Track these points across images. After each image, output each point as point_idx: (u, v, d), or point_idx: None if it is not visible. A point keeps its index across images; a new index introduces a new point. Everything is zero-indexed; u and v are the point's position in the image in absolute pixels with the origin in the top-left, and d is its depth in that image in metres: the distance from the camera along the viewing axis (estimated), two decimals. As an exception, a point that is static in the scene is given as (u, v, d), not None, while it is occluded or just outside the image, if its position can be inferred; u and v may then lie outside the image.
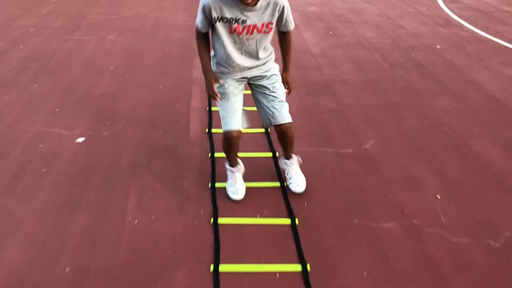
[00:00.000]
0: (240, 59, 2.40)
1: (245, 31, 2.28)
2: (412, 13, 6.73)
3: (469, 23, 6.26)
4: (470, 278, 2.22)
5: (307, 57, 4.98)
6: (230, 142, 2.56)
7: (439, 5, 7.19)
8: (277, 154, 3.16)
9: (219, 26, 2.27)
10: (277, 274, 2.23)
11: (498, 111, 3.85)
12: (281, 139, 2.70)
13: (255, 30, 2.29)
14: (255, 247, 2.38)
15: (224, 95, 2.49)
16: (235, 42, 2.33)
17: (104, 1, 7.11)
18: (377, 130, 3.53)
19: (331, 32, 5.82)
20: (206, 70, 2.41)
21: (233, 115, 2.50)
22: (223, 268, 2.25)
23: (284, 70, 2.63)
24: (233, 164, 2.76)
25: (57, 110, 3.73)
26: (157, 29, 5.83)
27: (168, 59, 4.85)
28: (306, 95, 4.08)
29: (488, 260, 2.33)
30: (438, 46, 5.36)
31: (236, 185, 2.74)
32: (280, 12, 2.31)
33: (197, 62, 4.73)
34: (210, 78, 2.40)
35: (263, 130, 3.46)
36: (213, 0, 2.20)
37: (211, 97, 2.44)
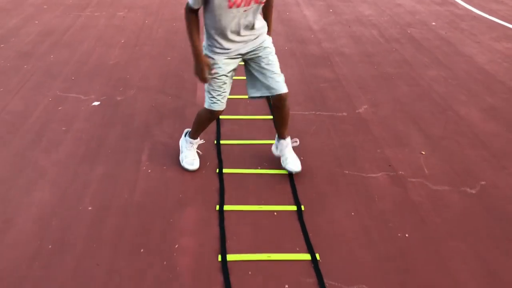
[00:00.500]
0: (237, 33, 2.40)
1: (243, 3, 2.26)
2: (411, -7, 6.94)
3: (464, 1, 6.48)
4: (446, 217, 2.51)
5: (307, 33, 5.23)
6: (212, 118, 2.71)
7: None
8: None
9: (216, 1, 2.24)
10: (275, 213, 2.52)
11: (484, 81, 4.11)
12: (277, 113, 2.71)
13: (252, 1, 2.28)
14: (256, 192, 2.68)
15: (216, 75, 2.50)
16: (233, 17, 2.31)
17: None
18: (371, 96, 3.80)
19: (331, 10, 6.06)
20: (198, 53, 2.42)
21: (223, 97, 2.60)
22: (227, 208, 2.55)
23: (268, 30, 2.61)
24: (196, 136, 2.87)
25: (73, 78, 4.02)
26: (164, 7, 6.08)
27: (175, 33, 5.12)
28: (306, 66, 4.35)
29: (463, 204, 2.61)
30: (433, 23, 5.60)
31: (192, 156, 2.87)
32: None
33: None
34: (201, 63, 2.43)
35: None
36: None
37: (200, 81, 2.51)
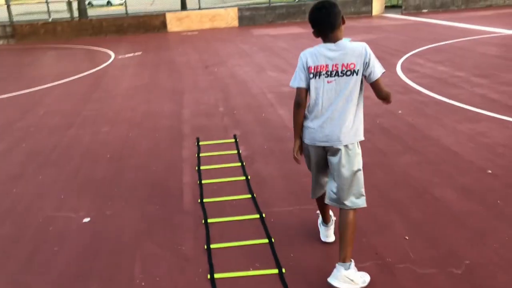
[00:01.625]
0: (326, 119, 2.78)
1: (329, 74, 2.73)
2: (375, 85, 7.46)
3: (426, 89, 6.99)
4: (437, 300, 2.58)
5: (283, 132, 5.54)
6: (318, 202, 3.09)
7: (398, 76, 7.98)
8: (263, 215, 3.58)
9: (313, 80, 2.75)
10: (271, 314, 2.55)
11: (454, 162, 4.37)
12: (340, 222, 2.74)
13: (338, 74, 2.74)
14: (249, 294, 2.72)
15: (309, 159, 2.94)
16: (323, 93, 2.76)
17: (95, 98, 7.76)
18: (350, 187, 3.98)
19: (304, 108, 6.45)
20: (296, 138, 2.90)
21: (316, 186, 3.00)
22: (223, 313, 2.57)
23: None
24: (326, 220, 3.14)
25: (62, 196, 4.13)
26: (147, 118, 6.40)
27: (158, 143, 5.36)
28: (284, 163, 4.57)
29: (451, 285, 2.69)
30: (400, 112, 6.00)
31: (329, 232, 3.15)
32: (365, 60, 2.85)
33: (187, 144, 5.26)
34: (296, 144, 2.86)
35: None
36: (308, 53, 2.79)
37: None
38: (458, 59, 9.08)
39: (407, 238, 3.18)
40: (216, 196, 3.94)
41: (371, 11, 19.14)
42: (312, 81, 2.67)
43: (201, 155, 4.90)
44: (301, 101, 2.76)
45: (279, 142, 5.17)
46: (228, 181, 4.23)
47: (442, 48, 10.42)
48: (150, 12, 18.42)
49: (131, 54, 12.43)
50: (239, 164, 4.61)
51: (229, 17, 18.33)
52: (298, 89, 2.77)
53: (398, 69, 8.54)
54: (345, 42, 2.68)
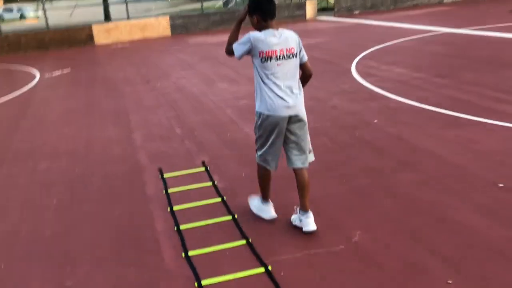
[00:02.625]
0: (282, 91, 3.17)
1: (277, 55, 3.15)
2: (338, 92, 7.04)
3: (392, 93, 6.65)
4: None
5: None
6: (266, 175, 3.49)
7: (358, 81, 7.62)
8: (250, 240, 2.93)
9: (261, 59, 3.16)
10: None
11: (458, 176, 3.95)
12: (297, 181, 3.38)
13: (285, 55, 3.17)
14: None
15: (266, 132, 3.27)
16: (275, 72, 3.16)
17: (25, 127, 6.69)
18: (358, 218, 3.42)
19: (271, 123, 5.85)
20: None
21: (274, 158, 3.35)
22: None
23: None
24: (266, 196, 3.56)
25: (2, 266, 3.22)
26: (92, 148, 5.50)
27: (113, 180, 4.52)
28: (274, 192, 3.93)
29: None
30: (375, 121, 5.57)
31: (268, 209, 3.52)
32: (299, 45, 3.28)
33: (148, 178, 4.46)
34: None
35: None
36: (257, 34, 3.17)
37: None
38: (410, 59, 8.91)
39: (450, 282, 2.66)
40: (203, 245, 3.23)
41: (305, 15, 19.01)
42: (265, 64, 3.10)
43: (169, 191, 4.14)
44: (227, 53, 3.36)
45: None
46: (212, 224, 3.52)
47: (389, 49, 10.28)
48: (74, 25, 17.03)
49: (59, 72, 11.21)
50: (219, 199, 3.91)
51: (161, 26, 17.41)
52: (231, 49, 3.26)
53: (355, 73, 8.20)
54: (283, 30, 3.17)
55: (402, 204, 3.57)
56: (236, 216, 3.59)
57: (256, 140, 3.38)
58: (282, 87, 3.10)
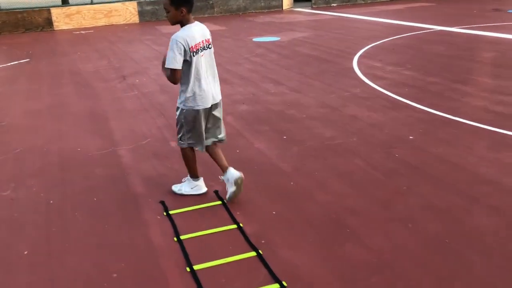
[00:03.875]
0: (208, 83, 3.46)
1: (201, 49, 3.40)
2: (351, 98, 6.19)
3: (415, 101, 5.86)
4: None
5: (282, 178, 3.98)
6: (194, 152, 3.64)
7: (368, 84, 6.79)
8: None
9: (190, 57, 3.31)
10: None
11: (551, 221, 3.17)
12: (218, 151, 3.68)
13: (207, 48, 3.48)
14: None
15: (192, 121, 3.47)
16: (201, 65, 3.40)
17: (-22, 134, 5.45)
18: (451, 284, 2.57)
19: (285, 137, 4.93)
20: None
21: (202, 139, 3.54)
22: None
23: None
24: (196, 173, 3.72)
25: None
26: (68, 168, 4.39)
27: (103, 217, 3.47)
28: (320, 244, 3.02)
29: None
30: (411, 137, 4.75)
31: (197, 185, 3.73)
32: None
33: (148, 213, 3.45)
34: None
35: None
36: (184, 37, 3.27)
37: None
38: (416, 60, 8.18)
39: None
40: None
41: (281, 5, 18.06)
42: (194, 58, 3.28)
43: (183, 238, 3.15)
44: (177, 82, 3.31)
45: (288, 201, 3.59)
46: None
47: (386, 47, 9.53)
48: (30, 7, 15.33)
49: (16, 62, 9.79)
50: (253, 253, 2.96)
51: (128, 12, 16.01)
52: (176, 71, 3.24)
53: (360, 75, 7.37)
54: (197, 22, 3.40)
55: (501, 267, 2.75)
56: (285, 285, 2.66)
57: (179, 130, 3.54)
58: (208, 78, 3.42)
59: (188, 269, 2.83)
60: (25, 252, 3.08)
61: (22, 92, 7.32)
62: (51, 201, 3.75)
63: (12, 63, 9.69)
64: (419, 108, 5.63)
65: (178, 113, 3.49)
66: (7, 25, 14.44)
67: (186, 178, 3.77)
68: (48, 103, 6.60)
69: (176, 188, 3.78)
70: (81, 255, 3.03)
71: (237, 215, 3.43)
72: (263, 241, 3.08)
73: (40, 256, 3.03)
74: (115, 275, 2.81)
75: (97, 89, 7.25)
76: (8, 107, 6.54)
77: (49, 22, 14.88)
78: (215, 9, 17.02)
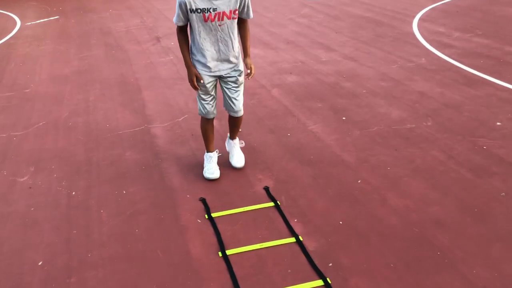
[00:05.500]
0: (217, 51, 2.90)
1: (216, 18, 2.76)
2: (416, 70, 5.34)
3: (494, 76, 4.97)
4: None
5: (345, 173, 3.29)
6: (206, 122, 3.20)
7: (435, 53, 5.90)
8: None
9: (195, 17, 2.76)
10: None
11: None
12: (232, 124, 3.32)
13: (225, 17, 2.77)
14: None
15: (202, 87, 3.02)
16: (210, 30, 2.81)
17: (0, 102, 4.92)
18: None
19: (344, 118, 4.20)
20: (188, 65, 2.97)
21: (209, 103, 3.10)
22: None
23: (245, 55, 3.08)
24: (210, 149, 3.31)
25: None
26: (95, 148, 3.82)
27: (133, 218, 2.89)
28: (403, 269, 2.36)
29: None
30: (498, 123, 3.94)
31: (212, 167, 3.27)
32: (242, 1, 2.82)
33: (188, 218, 2.84)
34: (192, 74, 2.96)
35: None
36: None
37: (193, 88, 3.01)
38: (486, 25, 7.14)
39: None
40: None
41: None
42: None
43: (229, 253, 2.54)
44: None
45: (357, 206, 2.92)
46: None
47: (448, 10, 8.44)
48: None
49: (45, 19, 9.21)
50: (319, 282, 2.32)
51: (162, -33, 15.10)
52: None
53: (423, 41, 6.45)
54: None
55: None
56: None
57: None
58: None
59: (237, 300, 2.23)
60: (40, 263, 2.54)
61: (49, 54, 6.74)
62: (74, 193, 3.20)
63: (40, 21, 9.11)
64: (501, 85, 4.76)
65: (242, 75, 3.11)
66: (38, -21, 13.81)
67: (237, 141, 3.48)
68: (75, 68, 6.00)
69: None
70: (106, 270, 2.47)
71: (295, 223, 2.78)
72: (330, 264, 2.44)
73: (57, 269, 2.49)
74: (146, 302, 2.24)
75: (128, 52, 6.61)
76: (33, 71, 5.99)
77: (80, -24, 14.16)
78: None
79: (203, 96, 3.06)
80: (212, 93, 3.07)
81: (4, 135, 4.12)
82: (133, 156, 3.65)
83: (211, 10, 2.72)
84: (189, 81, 2.99)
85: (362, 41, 6.63)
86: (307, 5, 9.45)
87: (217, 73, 2.97)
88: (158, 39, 7.28)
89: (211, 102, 3.09)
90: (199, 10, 2.72)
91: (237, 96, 3.09)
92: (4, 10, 10.26)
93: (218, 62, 2.93)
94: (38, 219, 2.93)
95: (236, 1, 2.78)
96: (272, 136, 3.89)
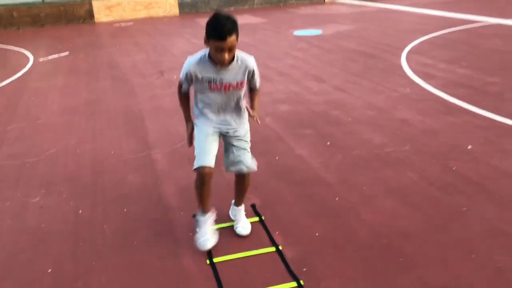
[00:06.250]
0: (221, 110, 2.83)
1: (222, 88, 2.73)
2: (400, 99, 5.73)
3: (473, 105, 5.34)
4: None
5: (325, 191, 3.63)
6: (202, 178, 2.80)
7: (419, 85, 6.30)
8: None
9: (201, 85, 2.75)
10: None
11: None
12: (238, 185, 3.06)
13: (231, 88, 2.75)
14: None
15: (201, 134, 2.85)
16: (215, 98, 2.78)
17: (13, 132, 5.34)
18: None
19: (329, 143, 4.56)
20: (186, 121, 3.03)
21: (208, 153, 2.79)
22: None
23: (252, 107, 2.94)
24: (206, 209, 2.95)
25: None
26: (100, 172, 4.19)
27: (133, 233, 3.23)
28: (370, 273, 2.67)
29: None
30: (469, 147, 4.28)
31: (206, 235, 2.93)
32: (250, 74, 2.80)
33: (181, 233, 3.16)
34: (189, 128, 2.99)
35: None
36: (194, 67, 2.72)
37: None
38: (471, 57, 7.57)
39: None
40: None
41: (324, -4, 17.48)
42: None
43: (216, 261, 2.86)
44: None
45: (333, 220, 3.24)
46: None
47: (437, 42, 8.91)
48: (72, -1, 15.41)
49: (56, 55, 9.77)
50: (293, 284, 2.64)
51: (168, 4, 15.87)
52: None
53: (409, 73, 6.87)
54: None
55: None
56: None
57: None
58: None
59: (221, 300, 2.55)
60: (49, 270, 2.87)
61: (59, 88, 7.21)
62: (80, 211, 3.55)
63: (52, 57, 9.68)
64: (478, 113, 5.13)
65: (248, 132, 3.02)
66: (50, 17, 14.58)
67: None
68: (84, 99, 6.46)
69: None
70: (108, 276, 2.79)
71: (276, 235, 3.11)
72: (304, 269, 2.76)
73: (65, 276, 2.82)
74: (142, 302, 2.56)
75: (134, 85, 7.07)
76: (44, 103, 6.45)
77: (90, 14, 14.92)
78: (255, 0, 16.64)
79: (200, 145, 2.86)
80: (212, 145, 2.86)
81: (18, 162, 4.51)
82: (134, 179, 4.02)
83: (217, 81, 2.70)
84: (187, 138, 3.01)
85: (352, 72, 7.06)
86: (303, 40, 9.97)
87: (220, 129, 2.90)
88: (162, 72, 7.77)
89: (206, 151, 2.84)
90: (204, 79, 2.70)
91: (241, 156, 2.90)
92: (18, 47, 10.88)
93: (221, 126, 2.88)
94: (48, 234, 3.28)
95: (244, 73, 2.75)
96: (262, 159, 4.24)
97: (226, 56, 2.58)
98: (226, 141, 2.94)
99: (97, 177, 4.10)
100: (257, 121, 2.88)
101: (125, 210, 3.53)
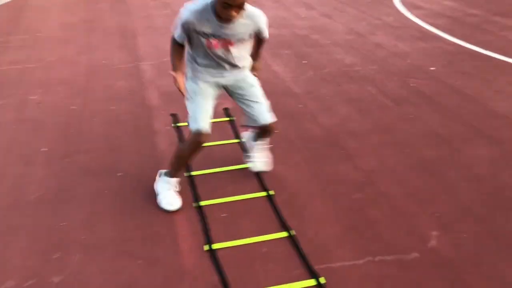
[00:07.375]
0: (216, 67, 2.53)
1: (223, 46, 2.41)
2: (381, 26, 6.02)
3: (447, 33, 5.64)
4: None
5: (291, 100, 4.06)
6: (197, 144, 2.54)
7: (403, 14, 6.54)
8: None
9: (197, 38, 2.40)
10: None
11: (552, 156, 3.14)
12: (263, 134, 2.82)
13: (234, 45, 2.42)
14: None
15: (196, 92, 2.56)
16: (213, 54, 2.45)
17: (16, 43, 5.74)
18: (430, 210, 2.67)
19: (305, 61, 4.93)
20: (176, 71, 2.55)
21: (204, 115, 2.52)
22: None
23: (254, 59, 2.70)
24: (177, 175, 2.71)
25: (-27, 241, 2.51)
26: (93, 78, 4.63)
27: (117, 124, 3.71)
28: (314, 161, 3.15)
29: None
30: (432, 68, 4.65)
31: (171, 196, 2.68)
32: (257, 31, 2.47)
33: (159, 126, 3.66)
34: (180, 77, 2.53)
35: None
36: (193, 17, 2.32)
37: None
38: (461, -9, 7.70)
39: None
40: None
41: None
42: None
43: (193, 173, 3.34)
44: None
45: (293, 121, 3.69)
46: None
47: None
48: None
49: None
50: (243, 166, 3.13)
51: None
52: None
53: (397, 3, 7.08)
54: None
55: (485, 192, 2.80)
56: (272, 192, 2.83)
57: None
58: None
59: (187, 174, 3.04)
60: (43, 149, 3.38)
61: (59, 6, 7.52)
62: (73, 107, 4.02)
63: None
64: (450, 40, 5.44)
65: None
66: None
67: None
68: (81, 17, 6.79)
69: None
70: (92, 155, 3.29)
71: (240, 130, 3.58)
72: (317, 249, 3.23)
73: (56, 154, 3.32)
74: (119, 174, 3.07)
75: (130, 6, 7.35)
76: (46, 19, 6.78)
77: None
78: None
79: (196, 103, 2.56)
80: (209, 104, 2.58)
81: (20, 67, 4.94)
82: (123, 84, 4.45)
83: (218, 37, 2.36)
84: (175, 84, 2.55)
85: (342, 1, 7.28)
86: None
87: (217, 83, 2.61)
88: (158, -5, 8.00)
89: (204, 112, 2.55)
90: (203, 34, 2.36)
91: (256, 110, 2.64)
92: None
93: (218, 78, 2.58)
94: (43, 123, 3.76)
95: (250, 32, 2.44)
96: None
97: (234, 13, 2.23)
98: (235, 99, 2.71)
99: (90, 81, 4.54)
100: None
101: (112, 107, 4.00)
